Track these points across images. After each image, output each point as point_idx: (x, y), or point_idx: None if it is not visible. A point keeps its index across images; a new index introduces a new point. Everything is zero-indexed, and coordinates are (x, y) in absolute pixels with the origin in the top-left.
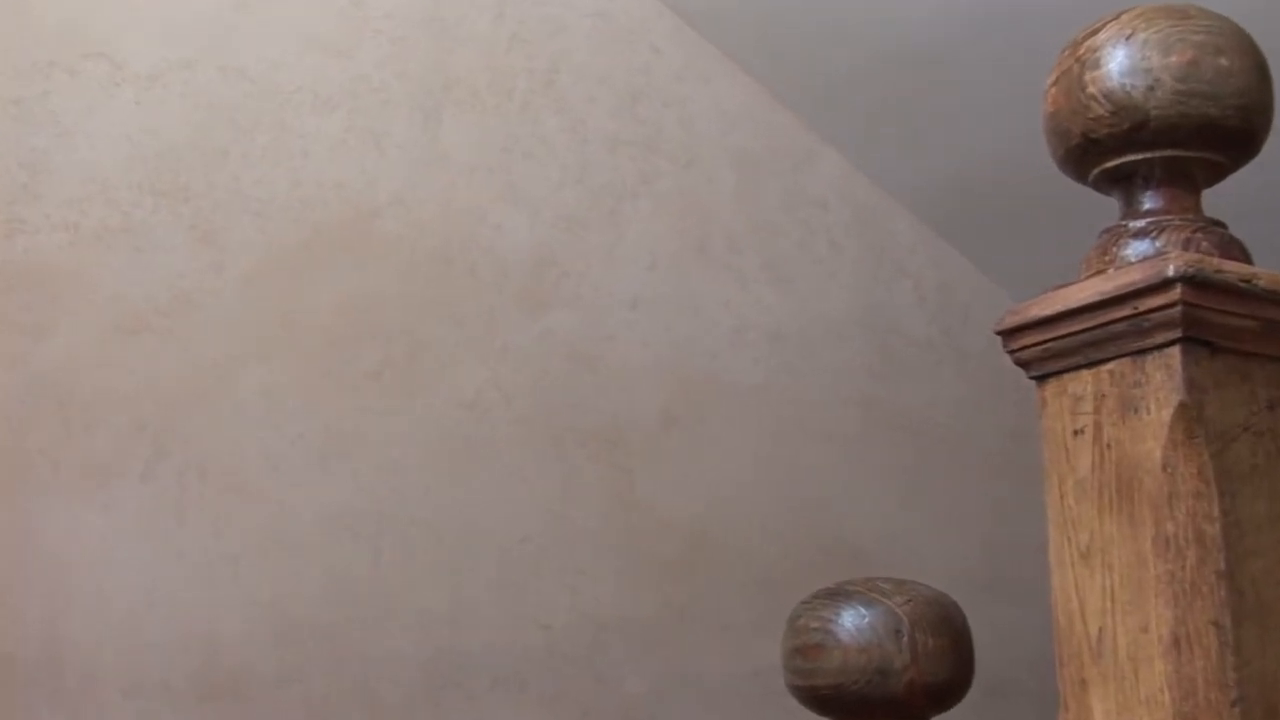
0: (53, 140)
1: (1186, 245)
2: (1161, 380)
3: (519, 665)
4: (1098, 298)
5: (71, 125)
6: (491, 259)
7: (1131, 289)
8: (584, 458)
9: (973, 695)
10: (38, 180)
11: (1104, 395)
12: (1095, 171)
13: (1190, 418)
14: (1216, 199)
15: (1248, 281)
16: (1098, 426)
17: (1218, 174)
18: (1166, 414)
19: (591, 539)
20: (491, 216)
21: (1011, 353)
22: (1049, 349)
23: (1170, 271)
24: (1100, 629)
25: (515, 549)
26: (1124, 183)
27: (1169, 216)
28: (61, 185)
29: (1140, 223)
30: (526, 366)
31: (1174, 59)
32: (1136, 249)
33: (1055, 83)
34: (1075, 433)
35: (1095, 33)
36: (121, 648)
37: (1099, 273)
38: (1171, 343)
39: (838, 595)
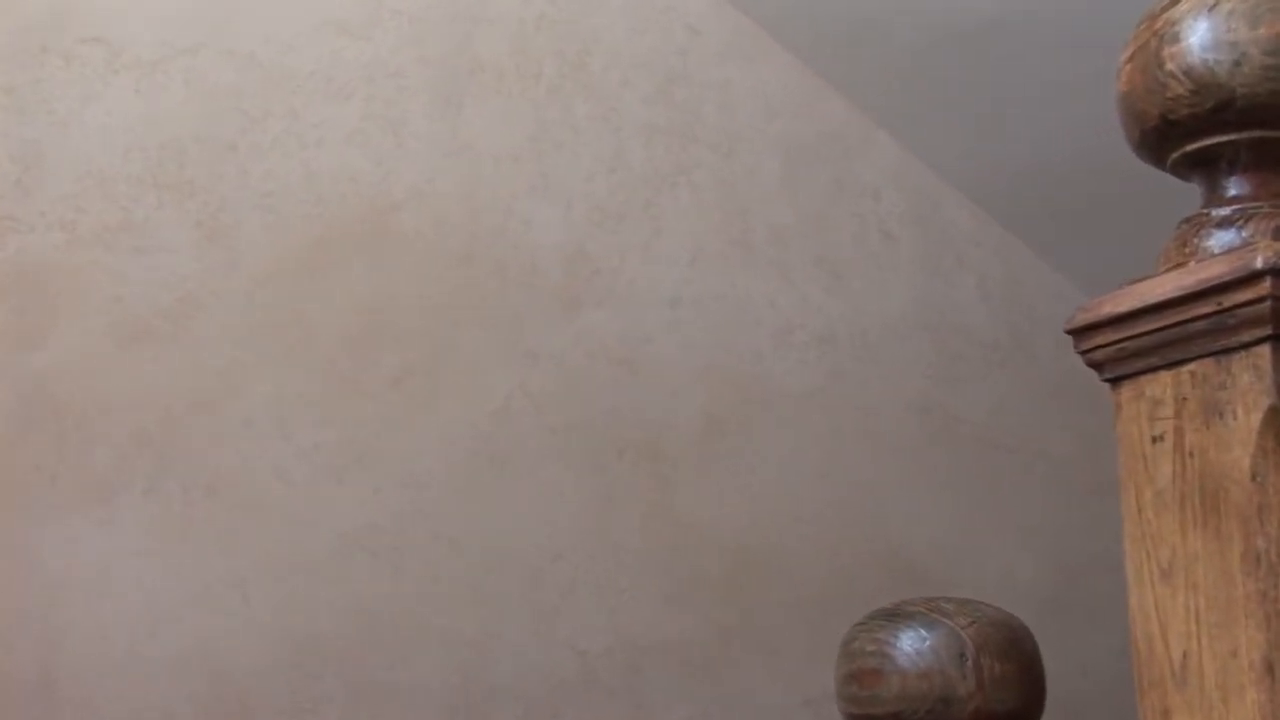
0: (46, 131)
1: (1277, 235)
2: (1249, 382)
3: (552, 694)
4: (1178, 293)
5: (66, 115)
6: (519, 256)
7: (1215, 283)
8: (621, 469)
9: None
10: (30, 175)
11: (1185, 399)
12: (1174, 156)
13: None
14: None
15: None
16: (1178, 433)
17: None
18: (1255, 419)
19: (630, 556)
20: (519, 210)
21: (1083, 353)
22: (1124, 349)
23: (1259, 263)
24: (1184, 654)
25: (547, 568)
26: (1206, 167)
27: (1256, 204)
28: (56, 180)
29: (1224, 211)
30: (558, 371)
31: (1263, 31)
32: (1220, 239)
33: (1130, 59)
34: (1154, 440)
35: (1174, 3)
36: (121, 675)
37: (1179, 265)
38: (1260, 341)
39: (896, 616)
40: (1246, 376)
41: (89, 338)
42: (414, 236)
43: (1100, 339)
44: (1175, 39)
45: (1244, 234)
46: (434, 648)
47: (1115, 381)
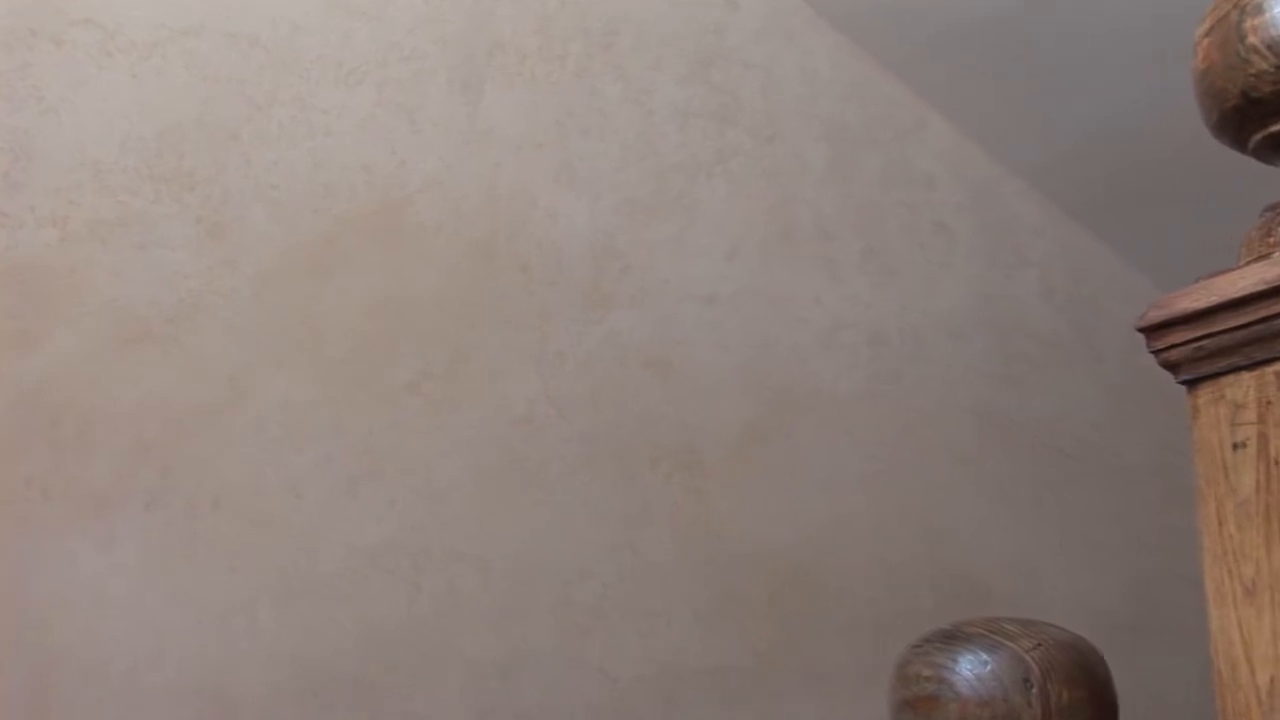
0: (36, 120)
1: None
2: None
3: None
4: (1261, 286)
5: (58, 103)
6: (544, 251)
7: None
8: (654, 480)
9: None
10: (20, 167)
11: (1270, 402)
12: (1257, 137)
13: None
14: None
15: None
16: (1263, 439)
17: None
18: None
19: (664, 575)
20: (543, 202)
21: (1157, 353)
22: (1202, 348)
23: None
24: (1271, 679)
25: (576, 587)
26: None
27: None
28: (47, 173)
29: None
30: (586, 375)
31: None
32: None
33: (1208, 33)
34: (1235, 446)
35: None
36: (120, 703)
37: (1262, 257)
38: None
39: (954, 639)
40: None
41: (84, 341)
42: (431, 230)
43: (1175, 337)
44: (1258, 10)
45: None
46: (455, 673)
47: (1192, 384)
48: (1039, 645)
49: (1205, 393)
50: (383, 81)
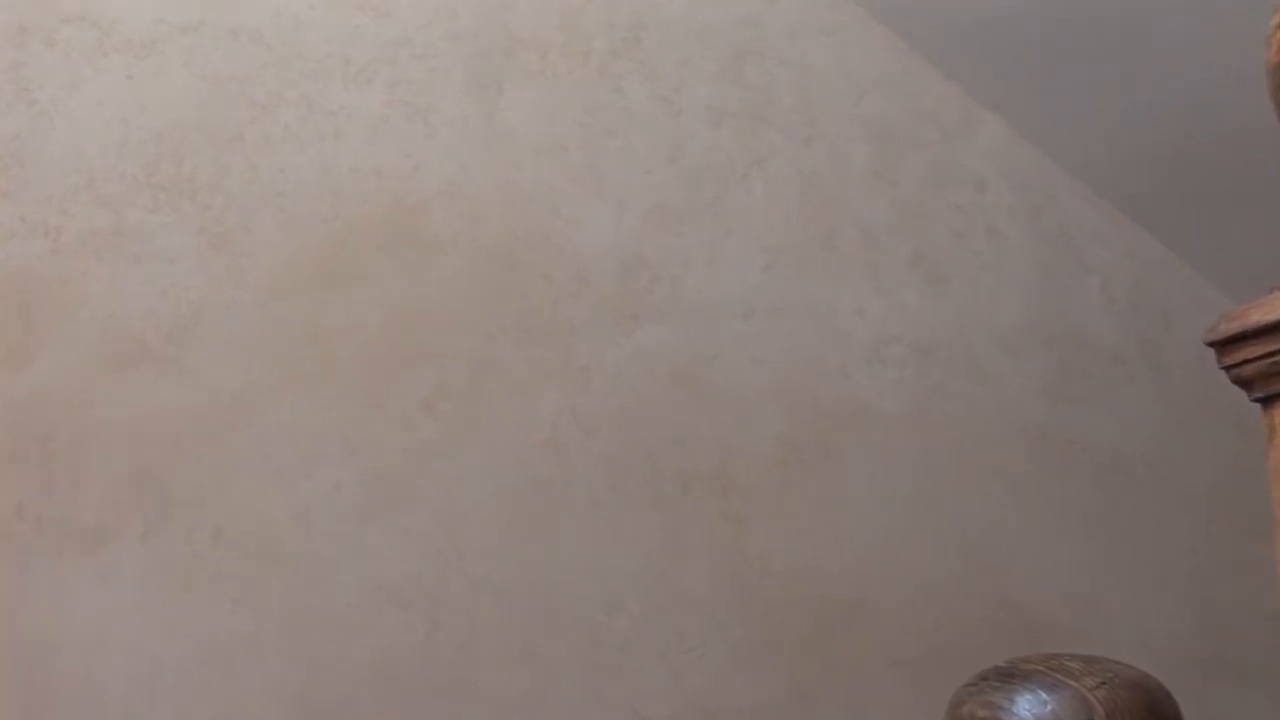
0: (27, 124)
1: None
2: None
3: None
4: None
5: (49, 105)
6: (567, 261)
7: None
8: (687, 506)
9: None
10: (9, 174)
11: None
12: None
13: None
14: None
15: None
16: None
17: None
18: None
19: (697, 607)
20: (566, 208)
21: (1228, 368)
22: (1278, 363)
23: None
24: None
25: (604, 620)
26: None
27: None
28: (38, 180)
29: None
30: (614, 393)
31: None
32: None
33: None
34: None
35: None
36: None
37: None
38: None
39: (1012, 677)
40: None
41: (77, 359)
42: (447, 239)
43: (1248, 352)
44: None
45: None
46: (475, 713)
47: (1266, 401)
48: (1103, 684)
49: None
50: (394, 80)
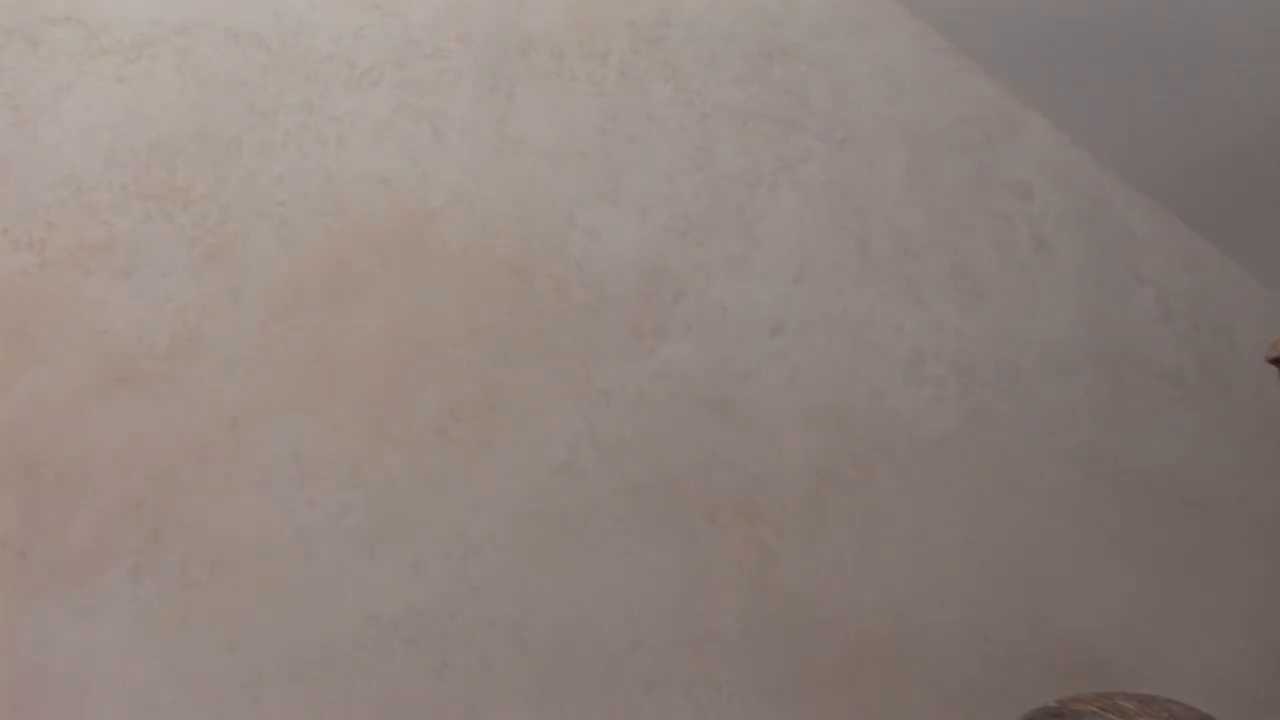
0: (10, 131)
1: None
2: None
3: None
4: None
5: (35, 112)
6: (586, 274)
7: None
8: (713, 535)
9: None
10: None
11: None
12: None
13: None
14: None
15: None
16: None
17: None
18: None
19: (725, 643)
20: (584, 218)
21: None
22: None
23: None
24: None
25: (625, 657)
26: None
27: None
28: (24, 190)
29: None
30: (636, 415)
31: None
32: None
33: None
34: None
35: None
36: None
37: None
38: None
39: (1062, 717)
40: None
41: (64, 381)
42: (458, 252)
43: None
44: None
45: None
46: None
47: None
48: None
49: None
50: (401, 84)
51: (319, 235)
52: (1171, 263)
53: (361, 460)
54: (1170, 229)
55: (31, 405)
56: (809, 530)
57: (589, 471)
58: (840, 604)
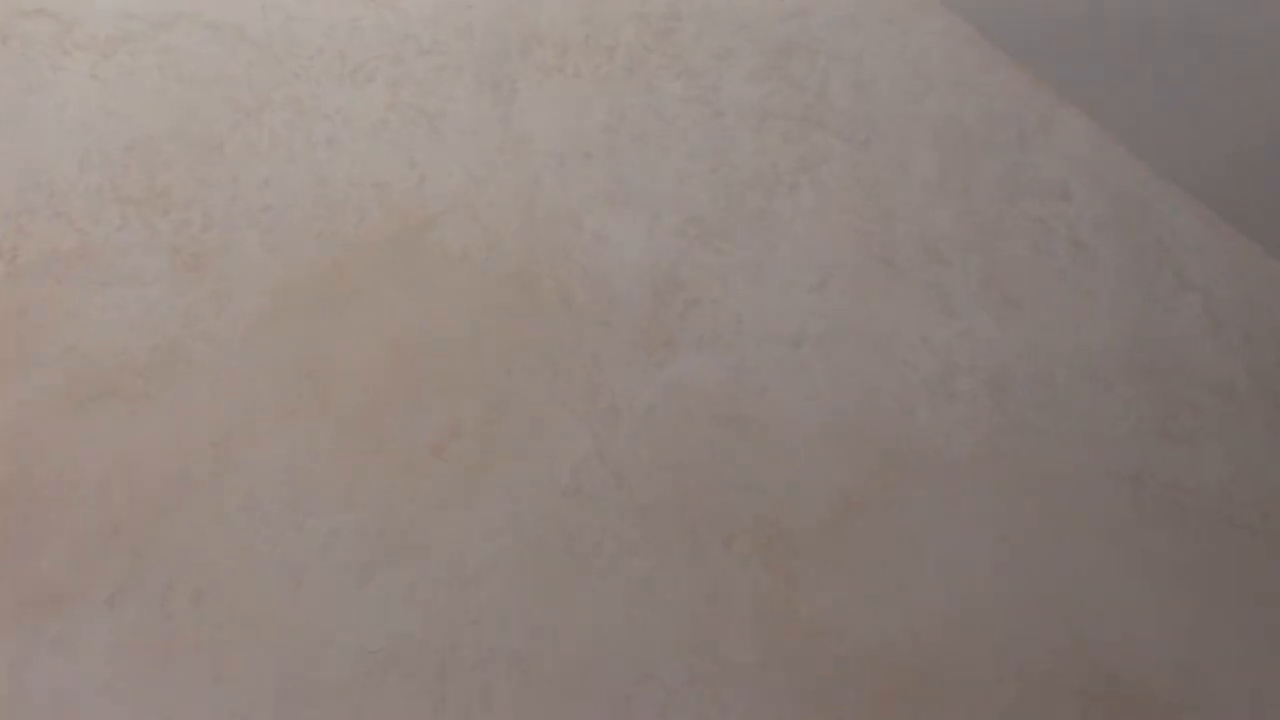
0: None
1: None
2: None
3: None
4: None
5: (3, 110)
6: (593, 282)
7: None
8: (731, 562)
9: None
10: None
11: None
12: None
13: None
14: None
15: None
16: None
17: None
18: None
19: (741, 676)
20: (591, 222)
21: None
22: None
23: None
24: None
25: (636, 692)
26: None
27: None
28: None
29: None
30: (646, 433)
31: None
32: None
33: None
34: None
35: None
36: None
37: None
38: None
39: None
40: None
41: (36, 398)
42: (457, 258)
43: None
44: None
45: None
46: None
47: None
48: None
49: None
50: (397, 80)
51: (309, 242)
52: (1220, 267)
53: (354, 482)
54: (1218, 231)
55: (1, 425)
56: (831, 557)
57: (596, 494)
58: (865, 636)
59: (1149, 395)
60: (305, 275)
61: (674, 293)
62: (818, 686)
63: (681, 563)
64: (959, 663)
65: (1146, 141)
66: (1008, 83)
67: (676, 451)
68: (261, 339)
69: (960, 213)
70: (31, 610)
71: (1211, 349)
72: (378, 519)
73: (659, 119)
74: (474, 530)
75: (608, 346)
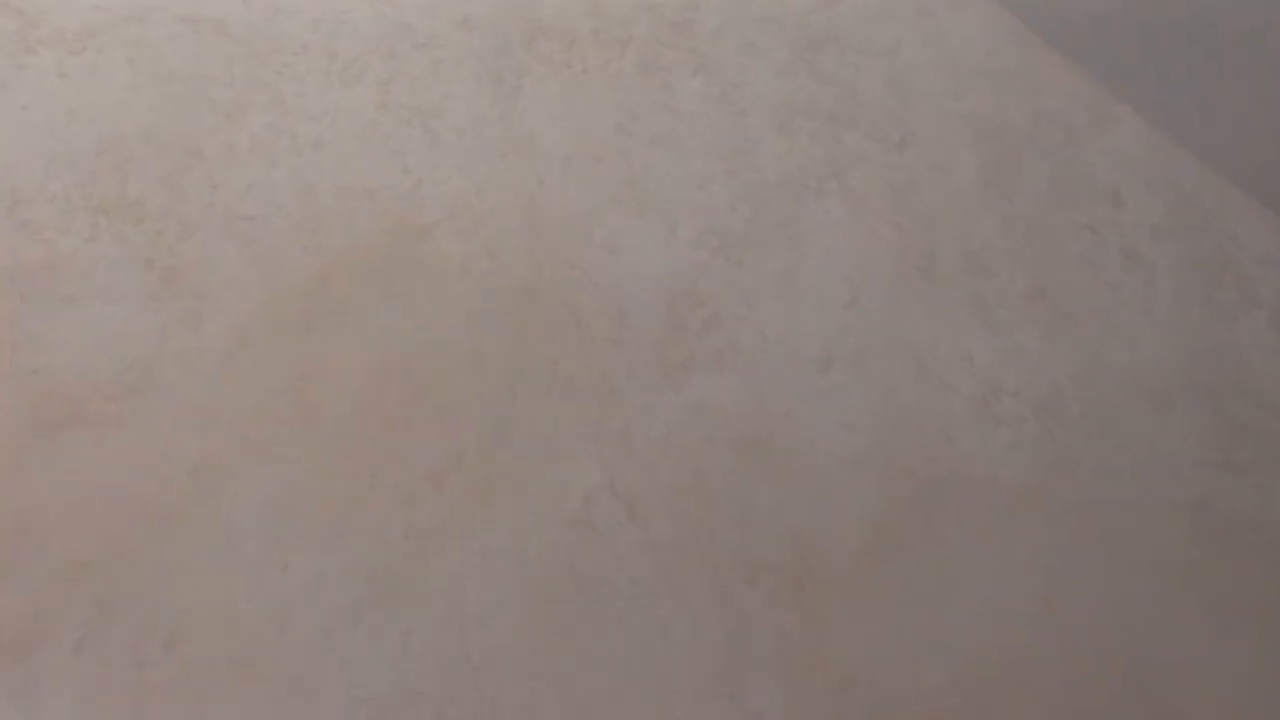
0: None
1: None
2: None
3: None
4: None
5: None
6: (604, 297)
7: None
8: (755, 602)
9: None
10: None
11: None
12: None
13: None
14: None
15: None
16: None
17: None
18: None
19: None
20: (601, 232)
21: None
22: None
23: None
24: None
25: None
26: None
27: None
28: None
29: None
30: (663, 461)
31: None
32: None
33: None
34: None
35: None
36: None
37: None
38: None
39: None
40: None
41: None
42: (455, 271)
43: None
44: None
45: None
46: None
47: None
48: None
49: None
50: (389, 77)
51: (294, 254)
52: None
53: (344, 515)
54: None
55: None
56: (864, 596)
57: (609, 527)
58: (902, 683)
59: (1210, 419)
60: (290, 290)
61: (692, 308)
62: None
63: (701, 603)
64: (1005, 712)
65: (1207, 141)
66: (1054, 78)
67: (695, 481)
68: (242, 360)
69: (1004, 220)
70: None
71: (1278, 369)
72: (369, 557)
73: (675, 118)
74: (474, 569)
75: (619, 367)
